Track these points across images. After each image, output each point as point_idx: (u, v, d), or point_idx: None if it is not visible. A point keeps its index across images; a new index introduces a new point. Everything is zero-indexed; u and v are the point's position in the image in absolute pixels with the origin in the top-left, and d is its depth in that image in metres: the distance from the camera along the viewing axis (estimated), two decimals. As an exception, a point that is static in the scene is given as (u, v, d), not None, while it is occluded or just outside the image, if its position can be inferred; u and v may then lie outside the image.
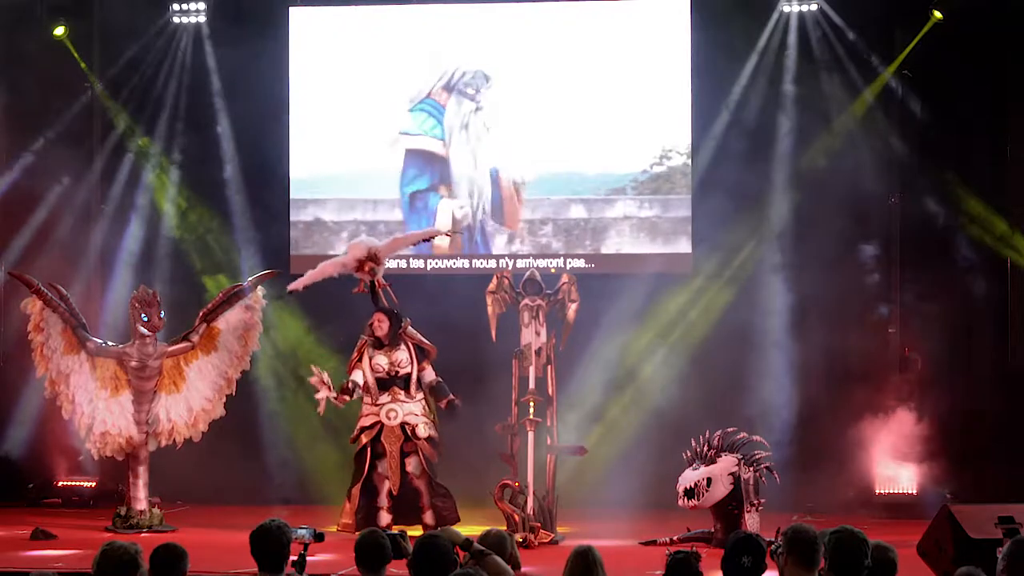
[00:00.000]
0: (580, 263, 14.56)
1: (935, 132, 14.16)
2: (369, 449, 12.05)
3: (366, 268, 12.15)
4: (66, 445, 14.10)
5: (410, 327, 12.26)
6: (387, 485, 12.02)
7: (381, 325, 12.09)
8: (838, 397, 13.94)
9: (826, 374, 14.04)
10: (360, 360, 12.18)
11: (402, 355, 12.12)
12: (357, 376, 12.13)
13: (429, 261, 14.77)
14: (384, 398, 12.07)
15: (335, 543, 9.17)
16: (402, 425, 12.01)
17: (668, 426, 13.44)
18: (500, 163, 14.79)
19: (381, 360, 12.10)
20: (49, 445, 14.37)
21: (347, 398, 12.03)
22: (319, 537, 6.34)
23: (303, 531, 6.23)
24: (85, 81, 15.11)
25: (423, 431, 12.03)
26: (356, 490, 12.07)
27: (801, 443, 13.55)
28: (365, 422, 12.11)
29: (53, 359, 12.40)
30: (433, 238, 13.35)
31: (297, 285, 12.37)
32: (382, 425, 12.03)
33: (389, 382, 12.09)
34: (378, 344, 12.13)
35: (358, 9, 15.12)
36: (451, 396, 12.20)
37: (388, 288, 12.34)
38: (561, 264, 14.38)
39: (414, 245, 13.14)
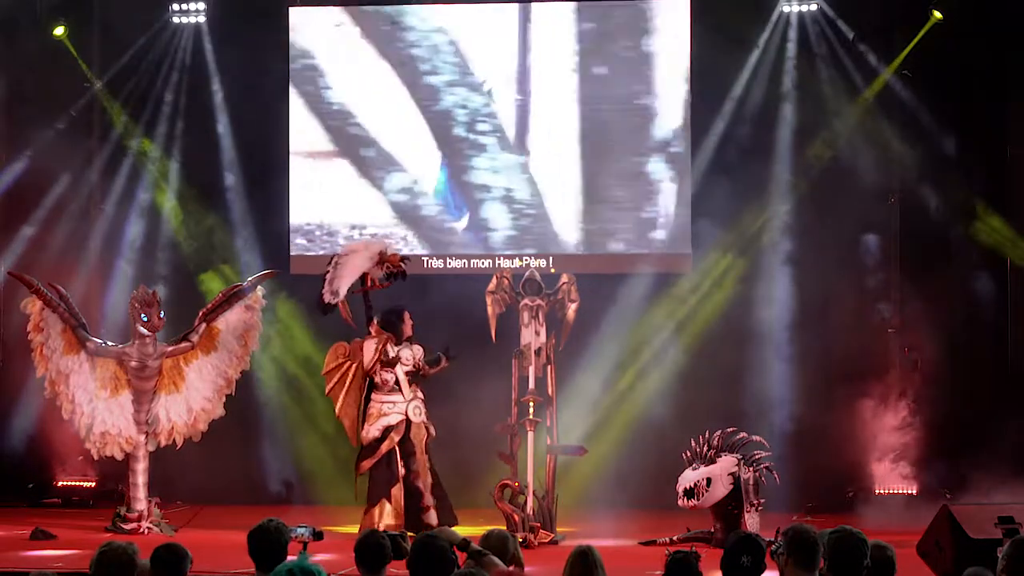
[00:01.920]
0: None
1: (935, 132, 14.16)
2: (397, 449, 11.79)
3: (392, 259, 11.99)
4: (66, 445, 14.09)
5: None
6: (424, 483, 11.79)
7: (410, 322, 12.03)
8: (838, 397, 13.93)
9: (826, 374, 14.04)
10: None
11: (418, 350, 12.07)
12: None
13: (428, 260, 14.74)
14: (410, 394, 11.96)
15: (335, 543, 9.17)
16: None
17: (668, 426, 13.45)
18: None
19: (405, 353, 11.96)
20: (49, 445, 14.35)
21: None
22: (318, 536, 6.35)
23: (303, 530, 6.25)
24: (85, 81, 15.10)
25: (433, 431, 12.01)
26: (397, 490, 11.73)
27: (801, 443, 13.56)
28: (391, 420, 11.84)
29: (53, 359, 12.39)
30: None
31: (339, 296, 11.88)
32: (408, 423, 11.90)
33: (414, 377, 11.97)
34: (396, 341, 12.05)
35: (357, 9, 15.10)
36: (441, 352, 12.11)
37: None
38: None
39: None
